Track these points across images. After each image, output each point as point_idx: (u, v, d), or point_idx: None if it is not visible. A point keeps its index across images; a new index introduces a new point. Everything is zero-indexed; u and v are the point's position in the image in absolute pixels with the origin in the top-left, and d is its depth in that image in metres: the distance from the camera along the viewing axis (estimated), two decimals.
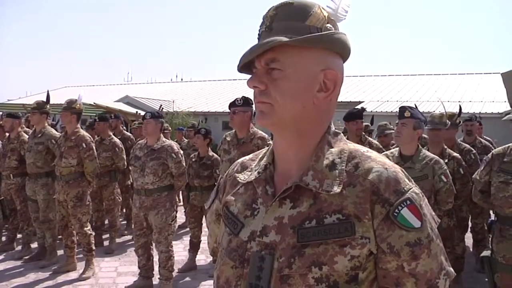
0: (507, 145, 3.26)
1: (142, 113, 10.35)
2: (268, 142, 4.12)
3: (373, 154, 1.07)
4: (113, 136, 6.37)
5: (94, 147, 5.07)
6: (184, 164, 4.59)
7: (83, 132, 5.12)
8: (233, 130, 4.28)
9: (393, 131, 5.76)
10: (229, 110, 4.20)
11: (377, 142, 4.66)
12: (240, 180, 1.17)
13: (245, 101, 4.10)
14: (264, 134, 4.22)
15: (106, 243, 6.32)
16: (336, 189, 0.99)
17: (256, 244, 1.04)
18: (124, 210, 7.31)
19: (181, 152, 4.61)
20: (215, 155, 5.43)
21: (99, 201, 6.22)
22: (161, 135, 4.62)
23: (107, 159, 6.07)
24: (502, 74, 10.17)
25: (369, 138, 4.72)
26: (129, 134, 7.38)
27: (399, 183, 1.00)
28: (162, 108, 15.72)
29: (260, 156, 1.21)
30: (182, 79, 38.64)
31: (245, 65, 1.08)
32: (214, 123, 21.84)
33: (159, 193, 4.46)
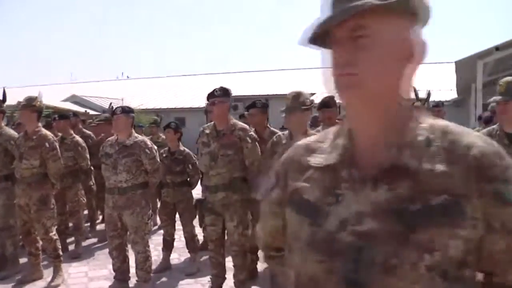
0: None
1: (91, 112, 9.66)
2: (249, 133, 3.98)
3: (465, 128, 0.97)
4: (74, 135, 6.03)
5: (57, 147, 4.75)
6: (158, 160, 4.38)
7: (45, 131, 4.78)
8: (212, 122, 4.11)
9: None
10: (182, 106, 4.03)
11: None
12: (312, 164, 1.04)
13: (224, 91, 3.94)
14: (244, 125, 4.07)
15: (71, 247, 5.99)
16: (440, 167, 0.88)
17: (348, 234, 0.91)
18: (87, 212, 6.96)
19: (155, 147, 4.40)
20: (187, 150, 5.23)
21: (62, 203, 5.86)
22: (133, 130, 4.39)
23: (69, 159, 5.73)
24: (456, 62, 10.53)
25: None
26: (89, 132, 7.02)
27: (504, 157, 0.91)
28: (112, 106, 15.26)
29: (331, 136, 1.08)
30: (128, 77, 37.74)
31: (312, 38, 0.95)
32: (167, 119, 21.46)
33: (134, 191, 4.23)
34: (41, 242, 4.84)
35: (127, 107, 4.35)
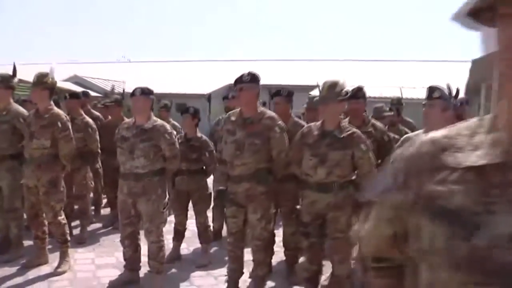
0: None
1: (93, 94, 9.06)
2: (278, 122, 3.76)
3: None
4: (85, 115, 5.78)
5: (70, 127, 4.52)
6: (177, 146, 4.16)
7: (57, 109, 4.55)
8: (238, 109, 3.88)
9: (390, 113, 5.53)
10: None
11: (381, 125, 4.40)
12: (452, 164, 0.83)
13: (253, 77, 3.72)
14: (273, 113, 3.85)
15: (75, 231, 5.78)
16: None
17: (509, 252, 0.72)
18: (92, 196, 6.74)
19: (174, 132, 4.18)
20: (204, 137, 5.00)
21: (69, 186, 5.62)
22: (151, 113, 4.16)
23: (78, 140, 5.45)
24: (473, 60, 10.32)
25: (373, 120, 4.44)
26: (97, 113, 6.77)
27: None
28: (114, 88, 14.91)
29: (465, 132, 0.86)
30: (129, 60, 37.33)
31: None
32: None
33: (150, 178, 4.02)
34: (47, 226, 4.64)
35: (147, 88, 4.11)
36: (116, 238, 5.88)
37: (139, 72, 28.68)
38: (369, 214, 1.04)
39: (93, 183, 5.89)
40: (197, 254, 5.28)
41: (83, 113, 5.81)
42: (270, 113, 3.83)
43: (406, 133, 5.36)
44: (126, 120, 4.24)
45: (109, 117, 7.14)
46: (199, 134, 4.97)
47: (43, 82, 4.41)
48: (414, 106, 7.21)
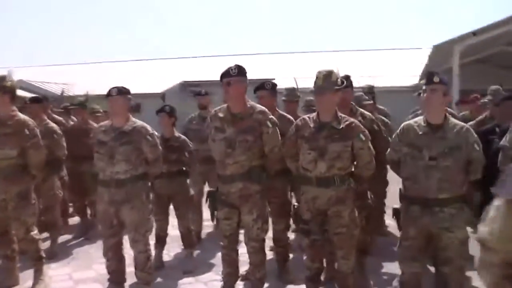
0: None
1: None
2: (269, 117, 3.57)
3: None
4: (48, 120, 5.38)
5: (38, 133, 4.15)
6: (160, 147, 3.89)
7: (22, 115, 4.17)
8: (224, 105, 3.66)
9: (369, 102, 5.45)
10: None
11: (369, 113, 4.28)
12: None
13: (241, 70, 3.51)
14: (263, 107, 3.64)
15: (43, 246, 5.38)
16: None
17: None
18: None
19: (156, 133, 3.90)
20: (182, 136, 4.74)
21: (36, 198, 5.23)
22: (130, 115, 3.87)
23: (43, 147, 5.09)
24: (434, 46, 10.49)
25: (361, 109, 4.31)
26: (59, 118, 6.35)
27: None
28: (64, 91, 14.23)
29: None
30: (77, 62, 36.02)
31: None
32: None
33: (133, 184, 3.74)
34: (16, 243, 4.26)
35: (123, 87, 3.81)
36: (91, 249, 5.56)
37: (88, 74, 27.75)
38: (499, 213, 0.87)
39: (62, 192, 5.49)
40: (180, 259, 5.03)
41: (46, 118, 5.40)
42: (260, 107, 3.63)
43: (383, 121, 5.31)
44: (102, 123, 3.93)
45: (69, 122, 6.75)
46: (177, 134, 4.71)
47: (2, 86, 4.03)
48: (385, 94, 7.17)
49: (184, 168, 4.69)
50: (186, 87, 23.54)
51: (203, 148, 4.86)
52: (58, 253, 5.24)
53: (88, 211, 6.36)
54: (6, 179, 4.00)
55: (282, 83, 19.21)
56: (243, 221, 3.56)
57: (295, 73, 20.78)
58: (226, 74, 3.48)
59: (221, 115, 3.58)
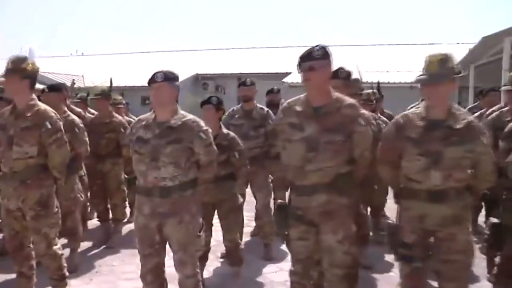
0: None
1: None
2: (361, 112, 2.81)
3: None
4: (69, 112, 4.64)
5: (62, 127, 3.42)
6: (215, 147, 3.15)
7: (43, 105, 3.44)
8: (301, 96, 2.90)
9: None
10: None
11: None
12: None
13: (326, 52, 2.75)
14: (353, 100, 2.88)
15: None
16: None
17: None
18: None
19: (210, 130, 3.15)
20: (231, 133, 3.98)
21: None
22: (178, 106, 3.12)
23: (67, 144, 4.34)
24: (484, 37, 9.70)
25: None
26: (78, 109, 5.62)
27: None
28: (75, 82, 13.58)
29: None
30: (82, 54, 35.35)
31: None
32: (132, 98, 19.89)
33: (182, 193, 3.00)
34: (34, 259, 3.55)
35: (170, 72, 3.06)
36: (114, 260, 4.86)
37: (96, 66, 27.14)
38: None
39: (83, 195, 4.76)
40: (222, 276, 4.32)
41: (66, 109, 4.67)
42: (350, 100, 2.86)
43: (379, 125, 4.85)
44: (143, 115, 3.18)
45: (85, 113, 6.02)
46: (225, 130, 3.95)
47: (21, 69, 3.30)
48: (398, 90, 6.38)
49: (233, 172, 3.94)
50: (199, 79, 22.89)
51: (246, 146, 4.23)
52: (78, 266, 4.52)
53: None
54: (24, 183, 3.29)
55: (295, 78, 18.46)
56: (324, 243, 2.81)
57: None
58: (307, 57, 2.72)
59: (298, 108, 2.82)
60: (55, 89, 4.58)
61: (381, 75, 18.40)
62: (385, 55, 22.48)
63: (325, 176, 2.72)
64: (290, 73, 20.23)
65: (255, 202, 4.98)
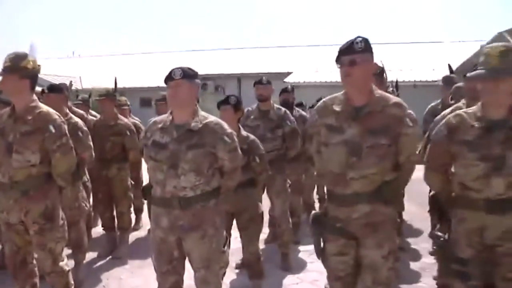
0: None
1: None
2: (407, 112, 2.49)
3: None
4: (71, 114, 4.31)
5: (67, 131, 3.10)
6: (240, 152, 2.83)
7: (46, 107, 3.11)
8: (338, 94, 2.58)
9: None
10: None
11: None
12: None
13: (367, 45, 2.43)
14: (398, 99, 2.57)
15: None
16: None
17: None
18: None
19: (235, 132, 2.84)
20: (251, 136, 3.66)
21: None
22: (197, 107, 2.81)
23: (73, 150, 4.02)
24: (499, 32, 9.46)
25: None
26: (81, 111, 5.29)
27: None
28: (72, 84, 13.25)
29: None
30: (79, 55, 34.96)
31: None
32: (131, 100, 19.58)
33: (205, 203, 2.68)
34: (38, 277, 3.23)
35: (190, 69, 2.74)
36: (122, 273, 4.55)
37: (94, 67, 26.80)
38: None
39: (87, 204, 4.43)
40: None
41: (68, 112, 4.34)
42: (395, 98, 2.55)
43: None
44: (158, 117, 2.85)
45: (86, 116, 5.68)
46: (244, 133, 3.63)
47: (20, 67, 2.97)
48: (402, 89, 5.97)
49: (253, 177, 3.62)
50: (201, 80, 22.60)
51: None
52: (84, 281, 4.20)
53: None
54: (26, 195, 2.96)
55: (302, 77, 18.27)
56: (366, 258, 2.49)
57: (317, 66, 19.73)
58: (348, 50, 2.40)
59: (336, 108, 2.50)
60: (56, 90, 4.24)
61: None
62: (388, 53, 22.19)
63: (368, 184, 2.41)
64: (291, 72, 19.98)
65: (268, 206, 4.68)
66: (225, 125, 2.75)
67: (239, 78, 22.03)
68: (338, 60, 2.44)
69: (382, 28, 69.52)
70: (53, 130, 2.97)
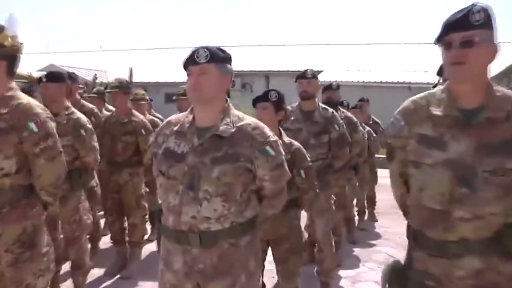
0: None
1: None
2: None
3: None
4: (73, 109, 3.56)
5: (54, 130, 2.36)
6: (287, 168, 2.02)
7: (26, 97, 2.36)
8: (430, 92, 1.76)
9: None
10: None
11: None
12: None
13: (488, 14, 1.59)
14: None
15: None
16: None
17: None
18: None
19: (279, 140, 2.04)
20: (296, 143, 2.84)
21: (52, 224, 3.46)
22: (229, 104, 2.01)
23: (65, 148, 3.27)
24: None
25: None
26: (91, 106, 4.56)
27: None
28: (97, 77, 12.63)
29: None
30: (106, 50, 34.75)
31: None
32: (156, 95, 19.03)
33: (236, 240, 1.89)
34: None
35: (219, 49, 1.97)
36: None
37: (120, 61, 26.41)
38: None
39: (91, 217, 3.68)
40: None
41: (70, 105, 3.59)
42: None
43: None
44: (174, 116, 2.07)
45: (103, 112, 4.97)
46: (286, 139, 2.81)
47: None
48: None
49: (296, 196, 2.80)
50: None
51: None
52: None
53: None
54: None
55: (333, 76, 17.61)
56: None
57: (349, 65, 19.00)
58: (460, 24, 1.58)
59: (435, 111, 1.68)
60: (55, 78, 3.48)
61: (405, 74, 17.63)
62: (411, 54, 21.23)
63: (484, 228, 1.59)
64: (321, 71, 19.12)
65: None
66: (268, 130, 1.95)
67: (266, 76, 21.32)
68: (442, 38, 1.62)
69: (413, 28, 67.83)
70: (35, 129, 2.22)
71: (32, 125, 2.22)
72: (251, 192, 1.93)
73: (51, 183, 2.33)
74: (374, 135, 6.12)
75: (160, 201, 2.03)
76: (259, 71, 21.31)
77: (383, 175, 7.00)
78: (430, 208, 1.66)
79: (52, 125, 2.32)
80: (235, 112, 1.98)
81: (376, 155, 6.54)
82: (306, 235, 3.05)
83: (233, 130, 1.89)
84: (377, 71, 19.09)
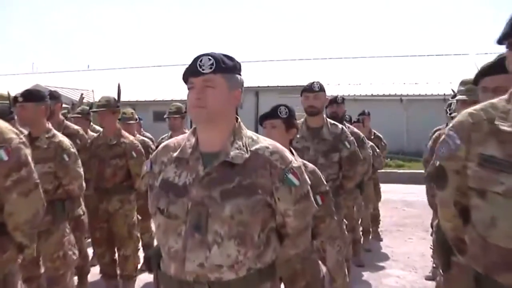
0: None
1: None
2: None
3: None
4: (55, 132, 3.19)
5: (29, 158, 2.00)
6: (314, 201, 1.67)
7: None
8: (494, 101, 1.44)
9: None
10: None
11: None
12: None
13: None
14: None
15: None
16: None
17: None
18: None
19: (303, 167, 1.69)
20: (310, 165, 2.49)
21: (34, 261, 3.07)
22: (240, 123, 1.66)
23: (45, 177, 2.89)
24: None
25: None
26: (76, 127, 4.18)
27: None
28: (83, 97, 12.25)
29: None
30: (94, 69, 34.42)
31: None
32: (145, 114, 18.69)
33: None
34: None
35: (227, 56, 1.62)
36: None
37: (107, 80, 26.08)
38: None
39: (76, 252, 3.28)
40: None
41: (51, 127, 3.22)
42: None
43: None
44: (172, 140, 1.70)
45: (88, 133, 4.60)
46: (299, 160, 2.46)
47: None
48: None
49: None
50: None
51: None
52: None
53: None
54: None
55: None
56: None
57: (339, 80, 18.94)
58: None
59: (505, 127, 1.35)
60: (33, 98, 3.10)
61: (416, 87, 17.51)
62: (415, 66, 21.16)
63: None
64: None
65: None
66: (288, 154, 1.61)
67: (256, 91, 21.12)
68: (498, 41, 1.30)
69: (410, 40, 68.54)
70: (5, 157, 1.86)
71: (2, 153, 1.86)
72: (270, 231, 1.58)
73: (26, 222, 1.96)
74: (377, 150, 5.83)
75: (157, 243, 1.67)
76: (249, 87, 21.11)
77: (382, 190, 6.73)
78: (505, 248, 1.32)
79: (27, 152, 1.97)
80: (247, 133, 1.63)
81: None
82: (324, 269, 2.67)
83: (247, 155, 1.54)
84: (367, 84, 18.96)
